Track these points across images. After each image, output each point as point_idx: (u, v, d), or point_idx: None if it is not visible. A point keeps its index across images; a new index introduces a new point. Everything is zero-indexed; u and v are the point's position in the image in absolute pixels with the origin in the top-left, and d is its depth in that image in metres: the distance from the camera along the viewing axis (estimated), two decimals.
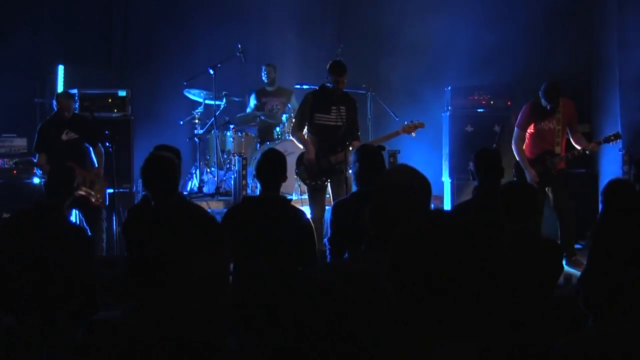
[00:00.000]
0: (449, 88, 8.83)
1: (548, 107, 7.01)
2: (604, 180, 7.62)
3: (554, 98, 6.95)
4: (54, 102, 7.34)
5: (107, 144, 7.23)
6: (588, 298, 3.43)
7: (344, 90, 7.04)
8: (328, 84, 6.95)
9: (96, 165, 7.28)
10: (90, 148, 7.30)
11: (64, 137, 7.17)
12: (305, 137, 7.16)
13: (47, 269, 4.17)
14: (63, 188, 4.57)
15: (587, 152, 7.13)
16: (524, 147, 7.17)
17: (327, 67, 7.00)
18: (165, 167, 4.04)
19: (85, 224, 6.96)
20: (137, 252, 4.00)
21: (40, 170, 7.10)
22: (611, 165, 8.30)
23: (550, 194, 7.08)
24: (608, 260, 3.91)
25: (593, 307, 3.45)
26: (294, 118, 7.55)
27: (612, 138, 7.09)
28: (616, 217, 4.43)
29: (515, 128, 7.27)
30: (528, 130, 7.18)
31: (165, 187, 4.03)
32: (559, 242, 6.71)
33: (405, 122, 7.22)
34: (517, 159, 7.16)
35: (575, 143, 7.15)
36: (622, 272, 3.79)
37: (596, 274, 3.96)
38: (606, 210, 4.59)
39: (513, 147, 7.22)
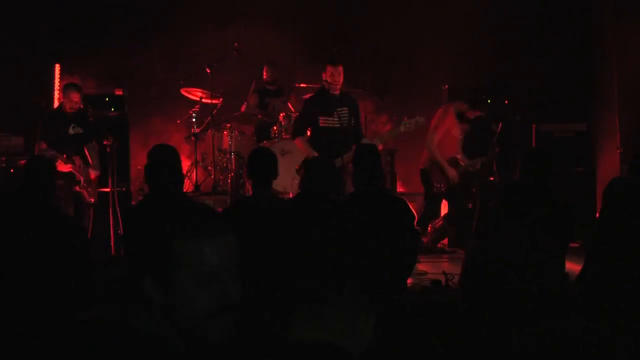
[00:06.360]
0: (446, 87, 8.82)
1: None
2: (601, 179, 7.62)
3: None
4: (66, 92, 7.32)
5: (106, 143, 7.22)
6: (586, 296, 3.43)
7: (344, 91, 6.90)
8: (326, 85, 6.81)
9: (90, 162, 7.24)
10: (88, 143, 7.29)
11: (70, 131, 7.15)
12: (305, 143, 6.92)
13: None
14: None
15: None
16: None
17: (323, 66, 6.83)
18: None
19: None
20: None
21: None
22: (609, 163, 8.30)
23: None
24: (606, 259, 3.91)
25: (591, 305, 3.45)
26: (294, 123, 7.38)
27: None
28: (616, 217, 4.41)
29: None
30: None
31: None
32: None
33: (405, 120, 7.05)
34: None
35: None
36: (620, 271, 3.79)
37: (594, 272, 3.96)
38: (606, 209, 4.57)
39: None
